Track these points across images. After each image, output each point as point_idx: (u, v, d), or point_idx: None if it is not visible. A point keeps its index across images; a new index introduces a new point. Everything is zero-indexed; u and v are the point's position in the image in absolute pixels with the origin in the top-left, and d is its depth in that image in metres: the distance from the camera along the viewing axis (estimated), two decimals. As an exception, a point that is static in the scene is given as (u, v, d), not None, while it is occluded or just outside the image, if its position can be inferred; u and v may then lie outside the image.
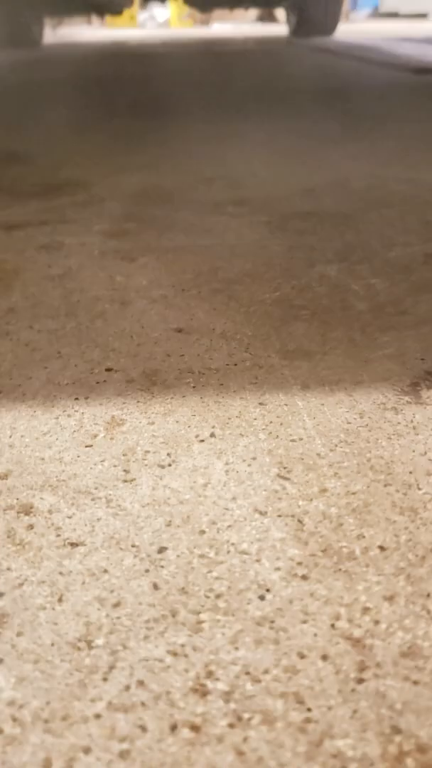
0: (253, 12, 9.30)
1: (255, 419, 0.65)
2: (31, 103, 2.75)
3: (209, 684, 0.40)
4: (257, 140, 1.89)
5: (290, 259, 1.02)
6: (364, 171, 1.51)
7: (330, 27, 5.91)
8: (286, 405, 0.67)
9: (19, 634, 0.44)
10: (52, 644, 0.43)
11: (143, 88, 3.04)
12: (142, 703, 0.39)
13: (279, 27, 7.74)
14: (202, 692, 0.40)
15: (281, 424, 0.64)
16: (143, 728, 0.38)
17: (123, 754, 0.37)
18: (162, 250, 1.08)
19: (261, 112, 2.36)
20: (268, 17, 8.82)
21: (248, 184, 1.43)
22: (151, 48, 5.50)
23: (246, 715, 0.38)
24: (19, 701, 0.40)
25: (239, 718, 0.38)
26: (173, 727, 0.38)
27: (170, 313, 0.87)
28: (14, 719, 0.38)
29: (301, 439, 0.62)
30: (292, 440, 0.62)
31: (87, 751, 0.37)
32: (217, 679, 0.40)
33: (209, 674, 0.41)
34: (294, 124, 2.10)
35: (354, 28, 6.91)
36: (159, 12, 10.03)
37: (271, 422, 0.64)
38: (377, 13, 8.54)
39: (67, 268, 1.03)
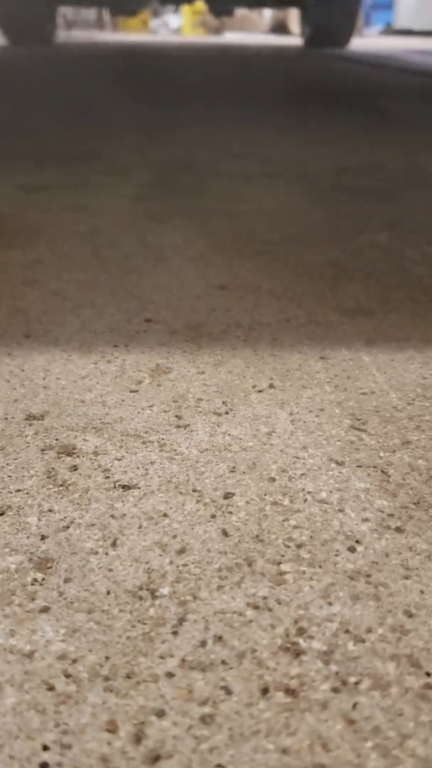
0: (265, 23, 9.29)
1: (318, 372, 0.58)
2: (54, 90, 2.69)
3: (302, 642, 0.33)
4: (286, 127, 1.83)
5: (335, 226, 0.96)
6: (398, 156, 1.45)
7: (344, 39, 5.89)
8: (351, 360, 0.60)
9: (67, 581, 0.37)
10: (108, 592, 0.36)
11: (168, 83, 2.99)
12: (223, 662, 0.32)
13: (292, 38, 7.74)
14: (294, 651, 0.33)
15: (348, 377, 0.57)
16: (227, 690, 0.31)
17: (205, 719, 0.30)
18: (195, 213, 1.02)
19: (287, 105, 2.31)
20: (281, 29, 8.80)
21: (281, 161, 1.37)
22: (170, 51, 5.47)
23: (352, 679, 0.31)
24: (72, 655, 0.32)
25: (344, 682, 0.31)
26: (264, 690, 0.31)
27: (210, 271, 0.81)
28: (68, 675, 0.31)
29: (372, 392, 0.55)
30: (363, 393, 0.55)
31: (160, 714, 0.30)
32: (311, 637, 0.33)
33: (301, 631, 0.34)
34: (320, 116, 2.05)
35: (367, 42, 6.90)
36: (172, 19, 10.02)
37: (336, 375, 0.58)
38: (390, 30, 8.54)
39: (94, 226, 0.96)
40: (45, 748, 0.28)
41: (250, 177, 1.24)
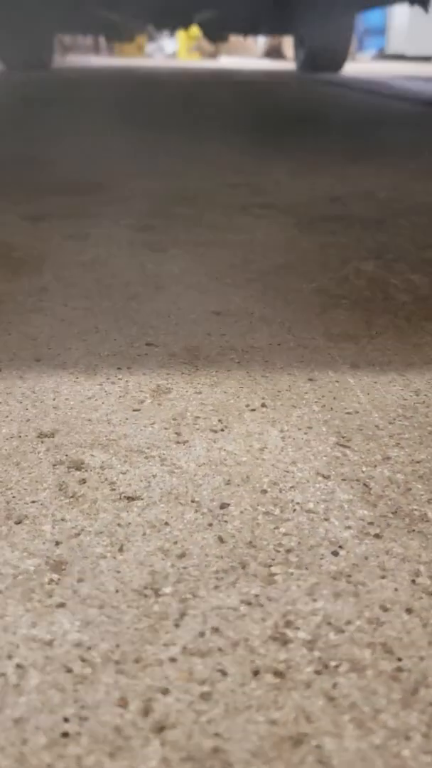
0: (260, 47, 9.47)
1: (306, 393, 0.63)
2: (49, 115, 2.76)
3: (289, 632, 0.38)
4: (279, 154, 1.89)
5: (324, 255, 1.01)
6: (388, 185, 1.51)
7: (337, 64, 6.02)
8: (337, 382, 0.65)
9: (80, 581, 0.41)
10: (117, 591, 0.40)
11: (159, 109, 3.06)
12: (220, 649, 0.37)
13: (286, 63, 7.88)
14: (282, 640, 0.37)
15: (334, 398, 0.62)
16: (223, 672, 0.35)
17: (204, 696, 0.34)
18: (191, 243, 1.07)
19: (278, 132, 2.38)
20: (275, 53, 8.98)
21: (272, 191, 1.43)
22: (163, 76, 5.57)
23: (332, 663, 0.36)
24: (86, 643, 0.37)
25: (325, 666, 0.36)
26: (255, 672, 0.35)
27: (206, 297, 0.86)
28: (83, 660, 0.36)
29: (357, 412, 0.60)
30: (348, 413, 0.60)
31: (165, 692, 0.34)
32: (297, 628, 0.38)
33: (288, 623, 0.38)
34: (312, 144, 2.11)
35: (360, 67, 7.05)
36: (167, 43, 10.21)
37: (323, 396, 0.62)
38: (383, 55, 8.72)
39: (96, 255, 1.01)
40: (66, 720, 0.33)
41: (243, 207, 1.29)
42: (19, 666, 0.35)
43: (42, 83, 4.27)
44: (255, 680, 0.35)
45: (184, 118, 2.69)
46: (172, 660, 0.36)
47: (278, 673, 0.35)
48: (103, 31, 5.68)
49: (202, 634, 0.38)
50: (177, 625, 0.38)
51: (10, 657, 0.36)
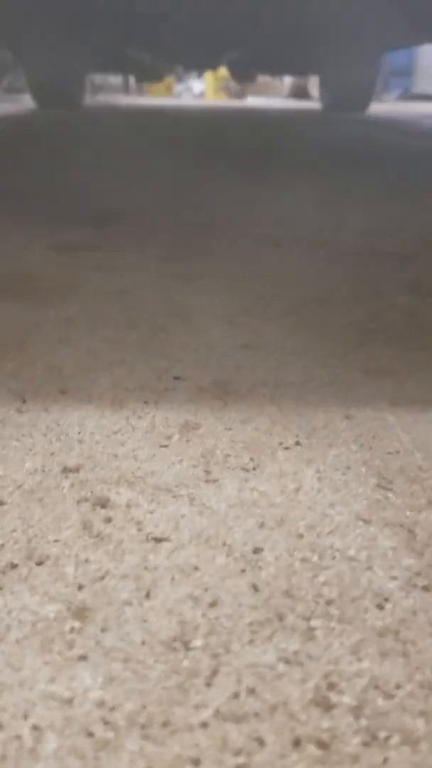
0: (286, 87, 9.60)
1: (343, 431, 0.60)
2: (77, 149, 2.79)
3: (333, 696, 0.34)
4: (306, 188, 1.88)
5: (357, 289, 0.98)
6: (418, 219, 1.49)
7: (362, 104, 6.07)
8: (375, 419, 0.62)
9: (103, 630, 0.38)
10: (143, 643, 0.37)
11: (187, 144, 3.09)
12: (256, 714, 0.33)
13: (311, 102, 7.96)
14: (325, 705, 0.34)
15: (373, 437, 0.59)
16: (260, 741, 0.32)
17: (240, 769, 0.31)
18: (220, 275, 1.05)
19: (305, 166, 2.38)
20: (300, 93, 9.09)
21: (302, 223, 1.42)
22: (191, 114, 5.65)
23: (382, 734, 0.32)
24: (109, 703, 0.34)
25: (374, 737, 0.32)
26: (296, 742, 0.32)
27: (235, 330, 0.83)
28: (105, 722, 0.33)
29: (398, 452, 0.56)
30: (389, 453, 0.56)
31: (196, 763, 0.31)
32: (342, 692, 0.34)
33: (331, 686, 0.35)
34: (340, 178, 2.11)
35: (386, 107, 7.10)
36: (195, 84, 10.38)
37: (361, 434, 0.59)
38: (409, 95, 8.79)
39: (123, 286, 1.00)
40: (86, 793, 0.29)
41: (272, 239, 1.27)
42: (35, 727, 0.32)
43: (72, 120, 4.34)
44: (296, 751, 0.31)
45: (211, 153, 2.70)
46: (204, 725, 0.33)
47: (322, 744, 0.32)
48: (133, 72, 5.79)
49: (236, 696, 0.34)
50: (208, 685, 0.35)
51: (26, 717, 0.33)
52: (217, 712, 0.33)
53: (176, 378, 0.70)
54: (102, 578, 0.42)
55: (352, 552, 0.44)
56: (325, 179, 2.09)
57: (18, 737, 0.32)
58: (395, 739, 0.32)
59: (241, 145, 3.13)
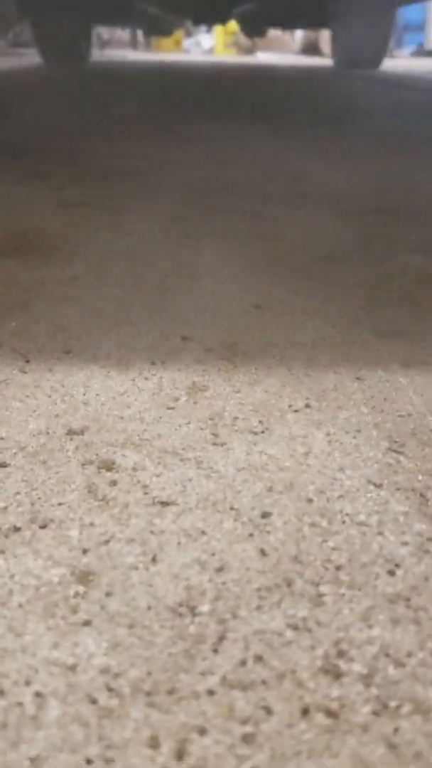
0: (296, 43, 9.37)
1: (354, 393, 0.58)
2: (86, 105, 2.74)
3: (342, 664, 0.33)
4: (318, 146, 1.84)
5: (369, 247, 0.96)
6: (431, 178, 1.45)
7: (375, 60, 5.92)
8: (387, 381, 0.60)
9: (108, 595, 0.37)
10: (149, 608, 0.36)
11: (197, 101, 3.02)
12: (264, 681, 0.32)
13: (323, 59, 7.78)
14: (334, 673, 0.33)
15: (385, 399, 0.57)
16: (268, 710, 0.31)
17: (247, 738, 0.30)
18: (229, 233, 1.03)
19: (318, 124, 2.33)
20: (311, 49, 8.87)
21: (313, 181, 1.38)
22: (201, 70, 5.52)
23: (392, 703, 0.31)
24: (114, 669, 0.33)
25: (384, 706, 0.31)
26: (305, 711, 0.31)
27: (244, 290, 0.81)
28: (110, 689, 0.32)
29: (410, 414, 0.55)
30: (400, 416, 0.55)
31: (202, 731, 0.30)
32: (351, 660, 0.34)
33: (341, 653, 0.34)
34: (352, 136, 2.06)
35: (399, 63, 6.92)
36: (204, 39, 10.16)
37: (372, 397, 0.58)
38: (422, 51, 8.57)
39: (129, 244, 0.97)
40: (88, 762, 0.29)
41: (282, 197, 1.25)
42: (38, 694, 0.31)
43: (79, 76, 4.25)
44: (304, 720, 0.31)
45: (221, 110, 2.64)
46: (210, 693, 0.32)
47: (331, 713, 0.31)
48: (142, 25, 5.65)
49: (243, 663, 0.33)
50: (215, 651, 0.34)
51: (28, 683, 0.32)
52: (223, 680, 0.32)
53: (184, 338, 0.69)
54: (107, 542, 0.41)
55: (362, 517, 0.43)
56: (337, 136, 2.04)
57: (20, 704, 0.31)
58: (406, 708, 0.31)
59: (252, 101, 3.06)
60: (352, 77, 4.60)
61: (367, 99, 3.25)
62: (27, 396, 0.57)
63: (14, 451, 0.49)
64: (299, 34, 9.41)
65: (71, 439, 0.51)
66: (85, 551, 0.40)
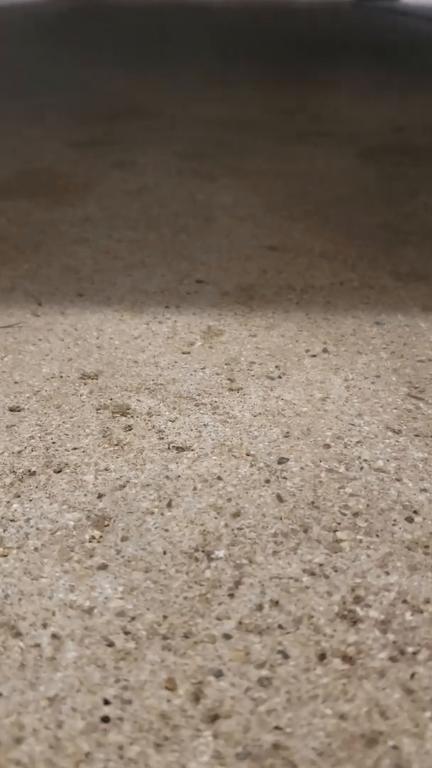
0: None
1: (373, 338, 0.57)
2: (93, 43, 2.66)
3: (359, 610, 0.33)
4: (336, 82, 1.78)
5: (389, 188, 0.93)
6: (455, 115, 1.40)
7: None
8: (407, 326, 0.59)
9: (124, 539, 0.37)
10: (165, 552, 0.36)
11: (215, 37, 2.92)
12: (280, 626, 0.32)
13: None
14: (351, 619, 0.33)
15: (405, 344, 0.56)
16: (284, 654, 0.31)
17: (263, 681, 0.30)
18: (244, 172, 1.00)
19: (337, 59, 2.25)
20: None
21: (331, 119, 1.34)
22: (217, 2, 5.33)
23: (410, 649, 0.31)
24: (130, 612, 0.33)
25: (401, 652, 0.31)
26: (321, 656, 0.31)
27: (261, 231, 0.79)
28: (126, 632, 0.32)
29: (430, 360, 0.54)
30: (420, 360, 0.54)
31: (218, 675, 0.30)
32: (368, 606, 0.33)
33: (357, 599, 0.34)
34: (372, 72, 1.98)
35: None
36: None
37: (392, 341, 0.57)
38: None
39: (143, 184, 0.95)
40: (106, 702, 0.29)
41: (299, 135, 1.21)
42: (54, 636, 0.32)
43: (85, 11, 4.11)
44: (321, 665, 0.31)
45: (234, 47, 2.56)
46: (226, 637, 0.32)
47: (347, 658, 0.31)
48: None
49: (259, 608, 0.33)
50: (231, 596, 0.34)
51: (45, 625, 0.32)
52: (239, 624, 0.32)
53: (198, 281, 0.67)
54: (122, 487, 0.41)
55: (380, 463, 0.43)
56: (357, 71, 1.97)
57: (37, 645, 0.31)
58: (424, 654, 0.31)
59: (270, 38, 2.96)
60: (373, 11, 4.42)
61: (389, 34, 3.13)
62: (40, 339, 0.56)
63: (28, 395, 0.49)
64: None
65: (85, 384, 0.50)
66: (100, 496, 0.40)
